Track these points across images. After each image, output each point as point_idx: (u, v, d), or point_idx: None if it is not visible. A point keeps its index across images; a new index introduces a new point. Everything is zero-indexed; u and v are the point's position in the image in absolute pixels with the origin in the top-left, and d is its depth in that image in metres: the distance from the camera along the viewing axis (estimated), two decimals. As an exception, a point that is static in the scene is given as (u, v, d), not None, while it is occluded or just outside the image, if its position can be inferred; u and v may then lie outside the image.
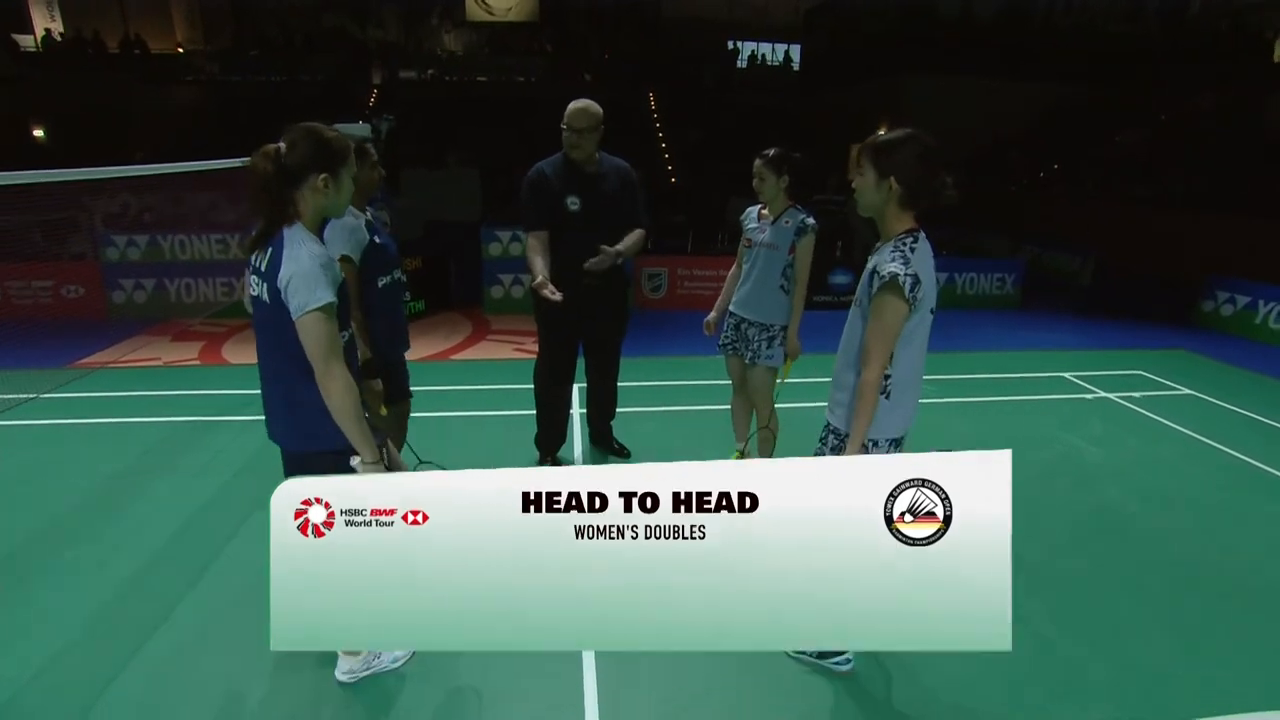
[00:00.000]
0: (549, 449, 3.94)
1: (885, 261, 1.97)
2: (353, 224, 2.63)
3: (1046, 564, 3.19)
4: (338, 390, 1.84)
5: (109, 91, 17.50)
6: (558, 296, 3.08)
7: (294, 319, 1.82)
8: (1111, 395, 5.48)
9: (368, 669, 2.38)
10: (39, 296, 7.40)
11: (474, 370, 5.88)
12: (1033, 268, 10.26)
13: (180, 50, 20.51)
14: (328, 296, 1.80)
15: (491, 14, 20.67)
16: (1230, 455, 4.42)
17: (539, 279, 3.16)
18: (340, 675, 2.36)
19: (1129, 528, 3.54)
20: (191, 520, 3.38)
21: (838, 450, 2.19)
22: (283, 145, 1.87)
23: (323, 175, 1.88)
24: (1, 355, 5.77)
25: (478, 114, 17.76)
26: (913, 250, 1.98)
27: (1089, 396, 5.47)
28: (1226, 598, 2.98)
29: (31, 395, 4.75)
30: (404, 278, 2.95)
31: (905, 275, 1.92)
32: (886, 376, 2.04)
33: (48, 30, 19.61)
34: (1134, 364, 6.36)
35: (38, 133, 17.48)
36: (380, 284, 2.73)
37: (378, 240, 2.69)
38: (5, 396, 4.77)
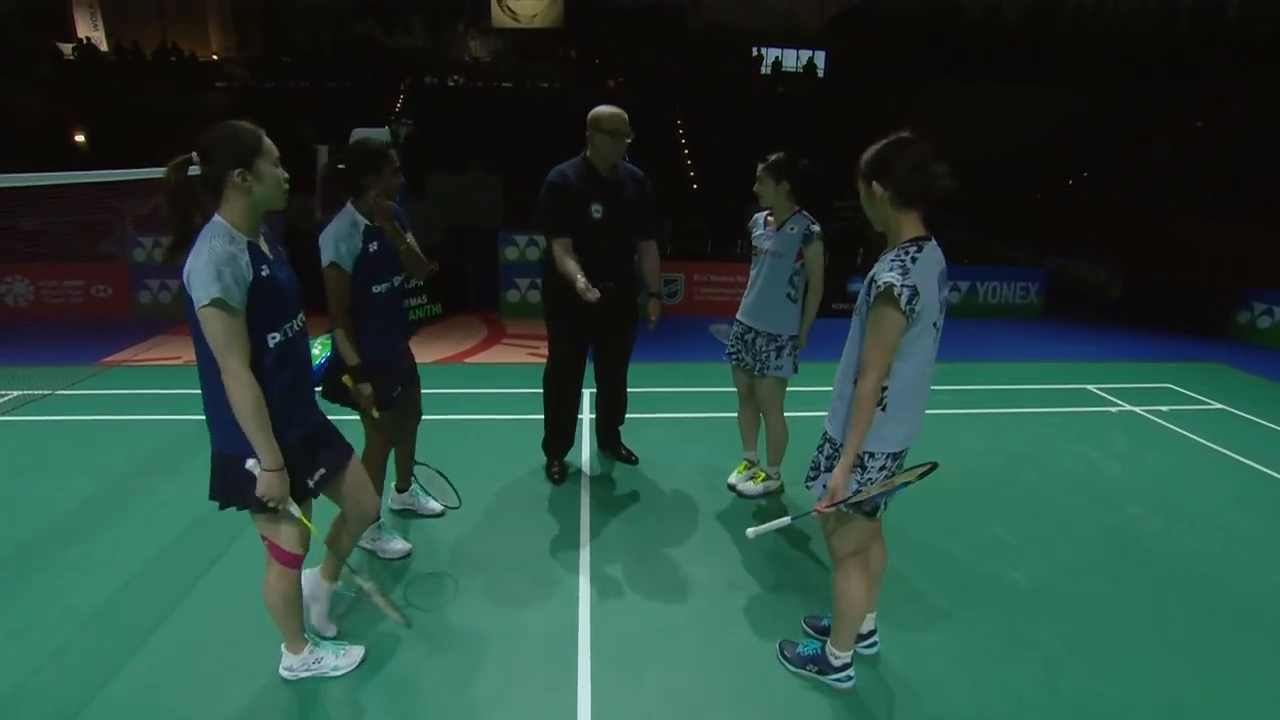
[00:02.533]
0: (557, 453, 3.92)
1: (883, 271, 1.93)
2: (344, 231, 2.64)
3: (1059, 585, 3.08)
4: (232, 387, 1.87)
5: (146, 97, 18.01)
6: (595, 294, 3.06)
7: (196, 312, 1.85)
8: (1137, 409, 5.30)
9: (308, 670, 2.38)
10: (70, 296, 7.61)
11: (487, 374, 5.90)
12: (1058, 277, 10.03)
13: (215, 57, 21.06)
14: (214, 292, 1.80)
15: (517, 21, 20.89)
16: (1263, 474, 4.25)
17: (581, 281, 3.11)
18: (282, 671, 2.38)
19: (1149, 548, 3.41)
20: (196, 521, 3.40)
21: (833, 460, 2.14)
22: (194, 155, 1.90)
23: (238, 170, 1.88)
24: (33, 353, 5.93)
25: (502, 120, 17.93)
26: (914, 261, 1.92)
27: (1113, 410, 5.31)
28: (1251, 627, 2.84)
29: (47, 391, 4.86)
30: (404, 283, 2.96)
31: (902, 286, 1.87)
32: (884, 388, 2.01)
33: (89, 38, 20.26)
34: (1163, 377, 6.16)
35: (79, 137, 18.03)
36: (375, 290, 2.76)
37: (372, 249, 2.69)
38: (22, 393, 4.90)
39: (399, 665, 2.48)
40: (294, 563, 2.18)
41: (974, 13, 16.43)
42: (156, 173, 5.49)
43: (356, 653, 2.46)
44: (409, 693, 2.36)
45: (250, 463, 1.97)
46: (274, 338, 1.98)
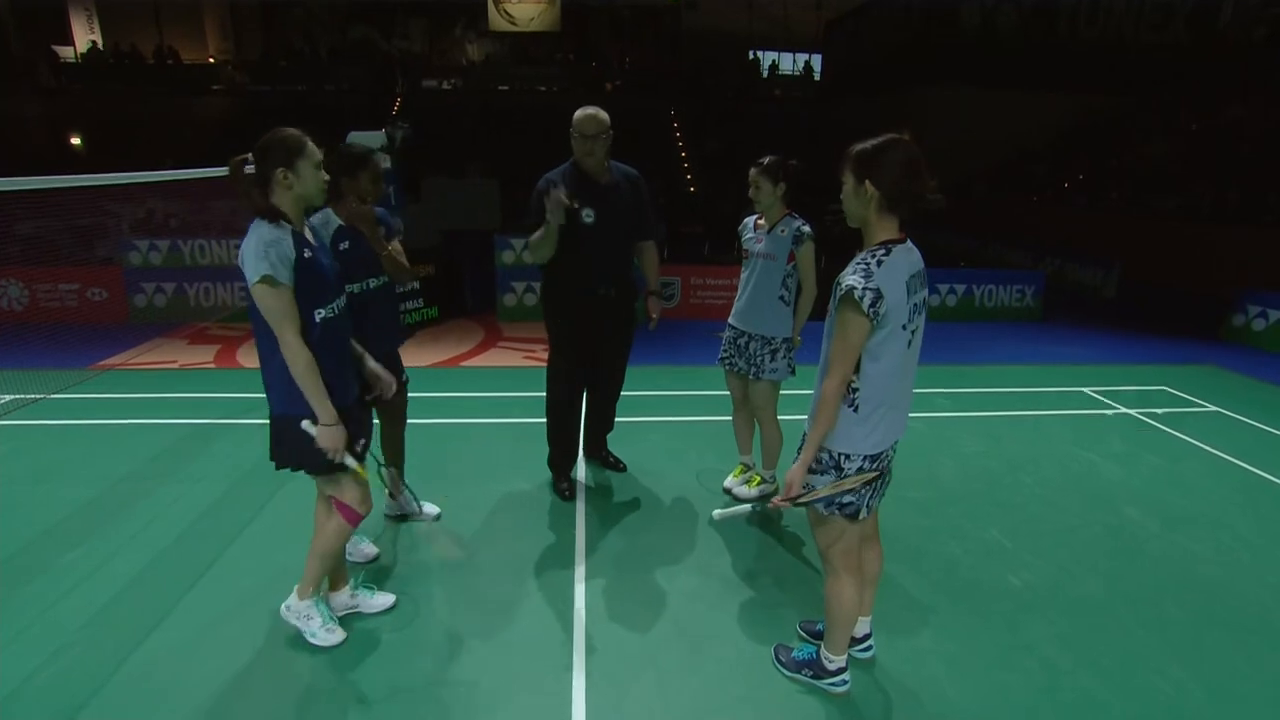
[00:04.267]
0: (565, 470, 3.80)
1: (847, 274, 1.94)
2: (312, 228, 2.70)
3: (1057, 587, 3.08)
4: (288, 354, 2.12)
5: (143, 101, 18.01)
6: (566, 204, 3.02)
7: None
8: (1133, 411, 5.31)
9: (297, 619, 2.55)
10: (65, 300, 7.59)
11: (484, 377, 5.89)
12: (1054, 280, 10.05)
13: (211, 61, 21.06)
14: (263, 269, 2.06)
15: (514, 24, 20.92)
16: (1259, 476, 4.25)
17: (558, 195, 3.01)
18: (282, 607, 2.57)
19: (1147, 550, 3.41)
20: (193, 525, 3.40)
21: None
22: (250, 156, 2.18)
23: (280, 169, 2.16)
24: (28, 357, 5.91)
25: (499, 123, 17.95)
26: (879, 264, 1.92)
27: (1109, 412, 5.32)
28: (1251, 629, 2.84)
29: (40, 395, 4.85)
30: (386, 286, 2.98)
31: (864, 289, 1.88)
32: (855, 390, 2.02)
33: (92, 43, 20.25)
34: (1158, 379, 6.17)
35: (75, 141, 18.02)
36: (348, 290, 2.75)
37: (343, 248, 2.78)
38: (15, 397, 4.89)
39: (394, 670, 2.47)
40: (357, 520, 2.43)
41: (971, 17, 16.48)
42: (152, 176, 5.49)
43: (339, 634, 2.57)
44: (404, 698, 2.35)
45: (305, 423, 2.19)
46: (320, 313, 2.23)
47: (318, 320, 2.22)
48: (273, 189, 2.16)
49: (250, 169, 2.17)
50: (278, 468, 2.31)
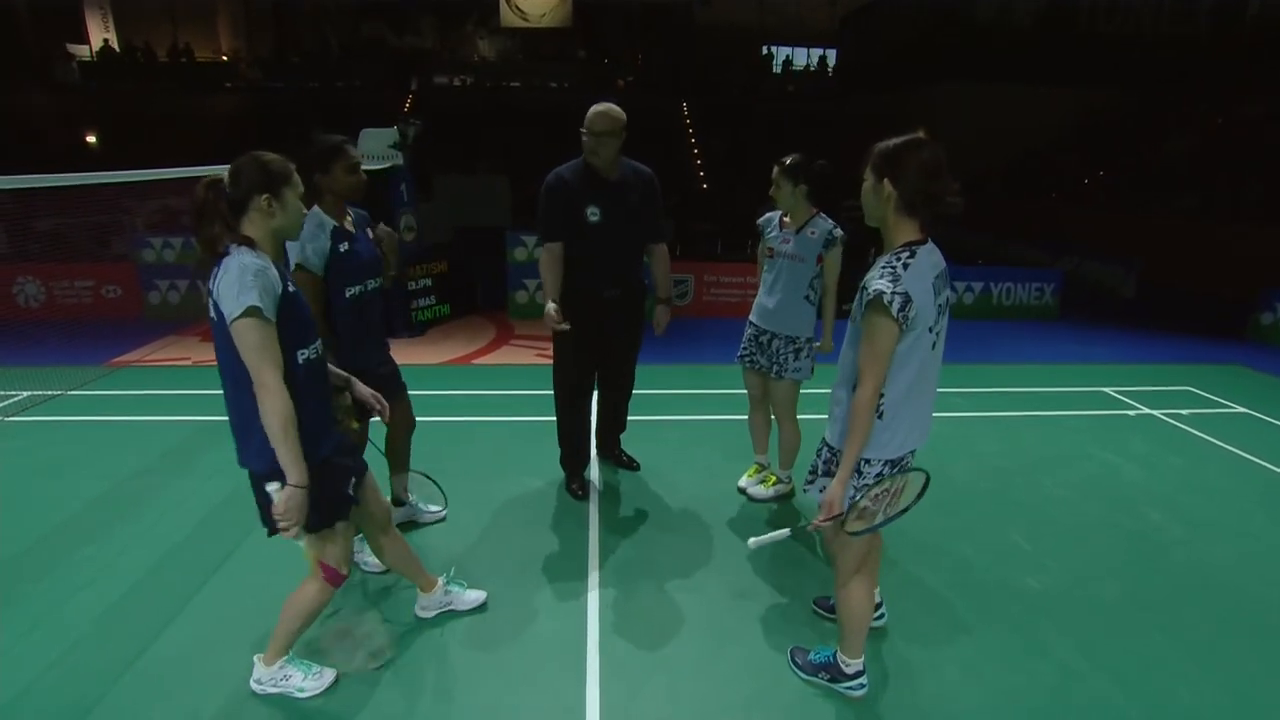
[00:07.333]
0: (577, 470, 3.76)
1: (874, 278, 1.88)
2: (310, 232, 2.55)
3: (1076, 591, 3.01)
4: (267, 400, 1.84)
5: (158, 98, 18.14)
6: (565, 326, 3.02)
7: (227, 327, 1.82)
8: (1156, 412, 5.21)
9: (275, 686, 2.29)
10: (81, 296, 7.65)
11: (495, 375, 5.87)
12: (1073, 278, 9.90)
13: (225, 58, 21.19)
14: (249, 300, 1.79)
15: (526, 20, 20.87)
16: (1285, 479, 4.16)
17: (551, 308, 3.07)
18: (251, 682, 2.30)
19: (1169, 555, 3.33)
20: (205, 521, 3.40)
21: (830, 464, 2.11)
22: (225, 177, 1.91)
23: (265, 196, 1.91)
24: (44, 353, 5.95)
25: (510, 120, 17.94)
26: (905, 266, 1.87)
27: (1131, 413, 5.21)
28: (1273, 635, 2.77)
29: (58, 391, 4.87)
30: (380, 289, 2.86)
31: (893, 294, 1.83)
32: (880, 396, 1.95)
33: (105, 40, 20.42)
34: (1183, 379, 6.05)
35: (90, 139, 18.18)
36: (348, 294, 2.68)
37: (343, 249, 2.63)
38: (32, 393, 4.92)
39: (403, 671, 2.45)
40: (340, 581, 2.21)
41: (987, 12, 16.26)
42: (168, 173, 5.51)
43: (328, 676, 2.35)
44: (414, 699, 2.33)
45: (271, 486, 1.94)
46: (304, 354, 1.98)
47: (301, 361, 1.95)
48: (249, 216, 1.91)
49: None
50: (271, 533, 2.02)
